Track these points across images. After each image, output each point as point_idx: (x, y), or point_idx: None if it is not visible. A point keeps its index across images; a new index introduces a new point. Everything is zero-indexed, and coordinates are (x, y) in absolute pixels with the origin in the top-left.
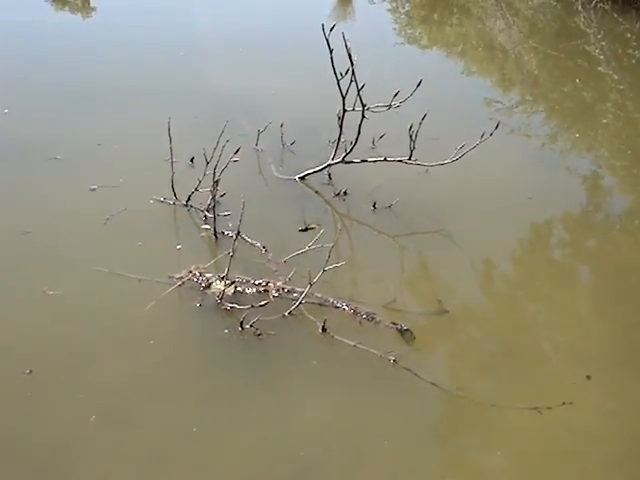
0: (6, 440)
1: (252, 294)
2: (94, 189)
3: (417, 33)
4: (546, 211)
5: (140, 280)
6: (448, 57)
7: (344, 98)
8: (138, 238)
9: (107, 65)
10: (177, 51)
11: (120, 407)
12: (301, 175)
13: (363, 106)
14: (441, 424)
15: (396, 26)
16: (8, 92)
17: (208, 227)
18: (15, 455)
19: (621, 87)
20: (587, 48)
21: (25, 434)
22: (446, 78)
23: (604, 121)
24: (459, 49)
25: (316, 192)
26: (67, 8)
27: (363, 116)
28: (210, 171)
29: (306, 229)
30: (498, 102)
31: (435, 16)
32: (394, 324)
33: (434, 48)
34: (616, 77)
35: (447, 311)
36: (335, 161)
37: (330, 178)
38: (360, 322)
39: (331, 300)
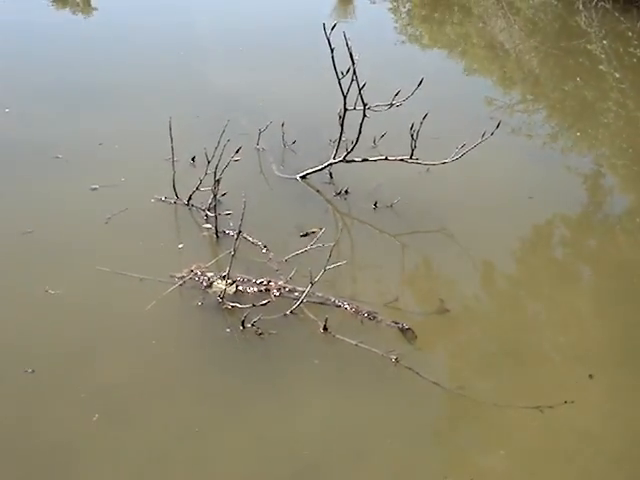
0: (8, 439)
1: (253, 293)
2: (95, 188)
3: (418, 32)
4: (547, 210)
5: (141, 279)
6: (449, 56)
7: (345, 97)
8: (139, 237)
9: (108, 64)
10: (177, 50)
11: (122, 406)
12: (302, 174)
13: (364, 105)
14: (442, 423)
15: (397, 25)
16: (9, 91)
17: (209, 226)
18: (17, 455)
19: (622, 86)
20: (588, 47)
21: (27, 433)
22: (447, 77)
23: (605, 120)
24: (460, 48)
25: (317, 191)
26: (68, 8)
27: (364, 115)
28: (211, 170)
29: (307, 234)
30: (499, 101)
31: (436, 15)
32: (395, 323)
33: (435, 47)
34: (617, 76)
35: (448, 310)
36: (336, 160)
37: (331, 177)
38: (361, 321)
39: (332, 299)
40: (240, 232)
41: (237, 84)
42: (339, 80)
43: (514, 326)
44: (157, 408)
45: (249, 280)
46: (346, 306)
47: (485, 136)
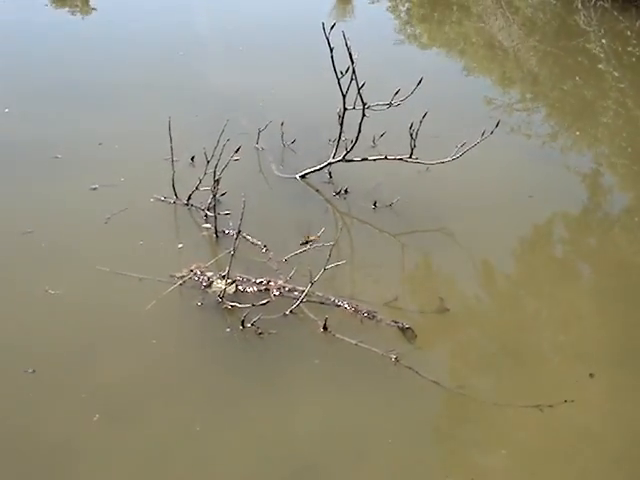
0: (9, 439)
1: (253, 293)
2: (95, 188)
3: (417, 32)
4: (546, 209)
5: (141, 279)
6: (448, 55)
7: (344, 96)
8: (139, 237)
9: (107, 64)
10: (177, 50)
11: (122, 406)
12: (302, 174)
13: (363, 104)
14: (443, 423)
15: (396, 24)
16: (8, 91)
17: (209, 226)
18: (18, 455)
19: (621, 85)
20: (587, 46)
21: (28, 433)
22: (446, 76)
23: (604, 119)
24: (459, 47)
25: (317, 191)
26: (67, 8)
27: (363, 114)
28: (211, 170)
29: (307, 242)
30: (498, 100)
31: (435, 14)
32: (395, 322)
33: (434, 46)
34: (616, 75)
35: (448, 309)
36: (336, 160)
37: (331, 177)
38: (361, 320)
39: (332, 299)
40: (240, 232)
41: (236, 84)
42: (338, 79)
43: (514, 325)
44: (157, 408)
45: (249, 280)
46: (346, 305)
47: (484, 135)
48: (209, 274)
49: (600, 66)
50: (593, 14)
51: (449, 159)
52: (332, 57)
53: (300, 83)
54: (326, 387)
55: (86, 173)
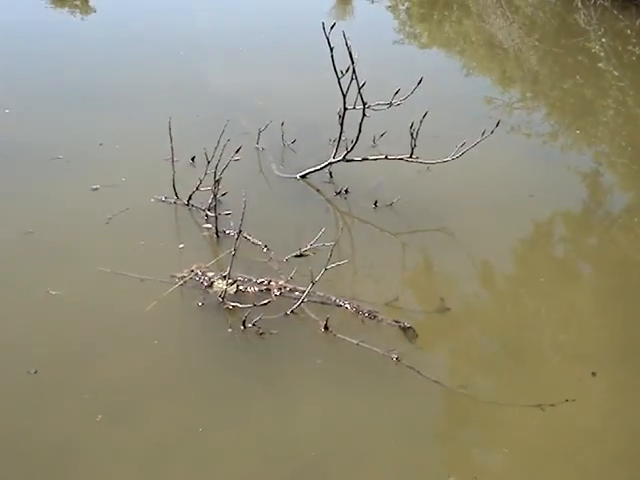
0: (12, 440)
1: (254, 293)
2: (96, 189)
3: (417, 31)
4: (547, 208)
5: (142, 280)
6: (448, 55)
7: (345, 96)
8: (140, 238)
9: (107, 65)
10: (177, 50)
11: (124, 407)
12: (302, 174)
13: (364, 104)
14: (444, 422)
15: (396, 24)
16: (9, 92)
17: (209, 226)
18: (21, 456)
19: (621, 84)
20: (587, 45)
21: (31, 434)
22: (446, 76)
23: (604, 118)
24: (459, 47)
25: (317, 190)
26: (66, 8)
27: (364, 114)
28: (211, 170)
29: (301, 255)
30: (498, 99)
31: (434, 14)
32: (396, 322)
33: (434, 46)
34: (616, 74)
35: (449, 309)
36: (336, 159)
37: (331, 176)
38: (362, 320)
39: (333, 299)
40: (240, 232)
41: (237, 84)
42: (339, 79)
43: (515, 324)
44: (159, 408)
45: (250, 280)
46: (347, 305)
47: (485, 135)
48: (210, 274)
49: (600, 65)
50: (593, 13)
51: (449, 159)
52: (332, 57)
53: (300, 83)
54: (327, 387)
55: (87, 173)
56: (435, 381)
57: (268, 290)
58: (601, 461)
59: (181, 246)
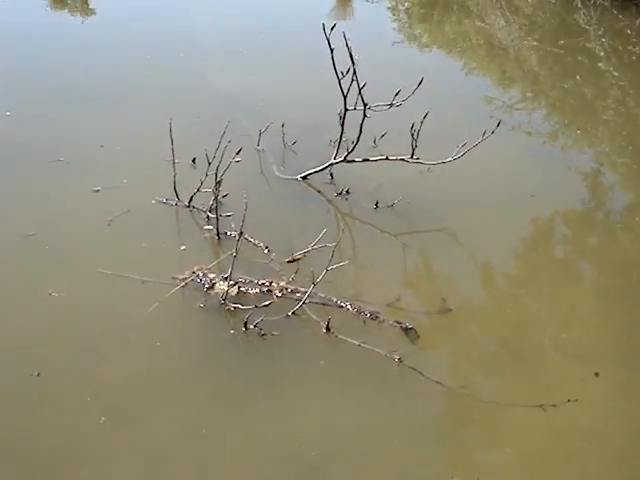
0: (15, 442)
1: (256, 294)
2: (97, 190)
3: (417, 32)
4: (548, 208)
5: (143, 281)
6: (448, 55)
7: (345, 97)
8: (141, 239)
9: (108, 66)
10: (177, 52)
11: (127, 409)
12: (303, 175)
13: (364, 105)
14: (447, 423)
15: (396, 25)
16: (10, 94)
17: (211, 228)
18: (24, 458)
19: (622, 83)
20: (587, 45)
21: (34, 436)
22: (446, 76)
23: (605, 118)
24: (459, 47)
25: (318, 192)
26: (67, 10)
27: (364, 115)
28: (212, 172)
29: (293, 260)
30: (499, 100)
31: (434, 14)
32: (398, 323)
33: (434, 46)
34: (616, 74)
35: (451, 309)
36: (337, 160)
37: (332, 177)
38: (364, 321)
39: (334, 300)
40: (242, 233)
41: (237, 85)
42: (339, 80)
43: (516, 325)
44: (161, 410)
45: (251, 281)
46: (348, 306)
47: (485, 135)
48: (211, 276)
49: (600, 65)
50: (593, 13)
51: (450, 159)
52: (333, 58)
53: (301, 84)
54: (329, 388)
55: (88, 175)
56: (437, 382)
57: (269, 291)
58: (603, 461)
59: (183, 248)
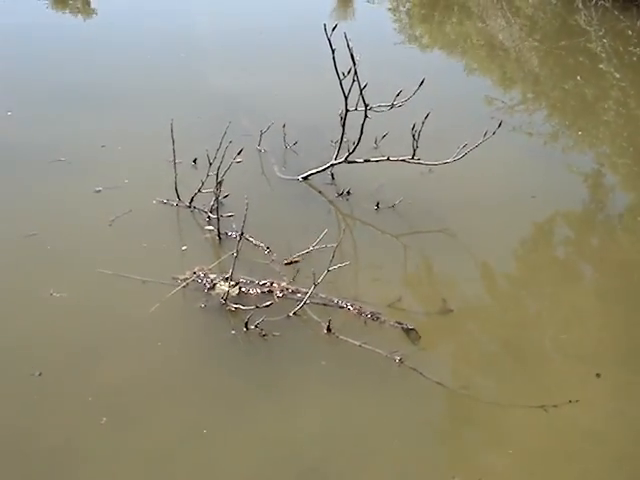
0: (18, 443)
1: (256, 295)
2: (98, 191)
3: (418, 32)
4: (549, 209)
5: (144, 282)
6: (449, 56)
7: (346, 98)
8: (142, 240)
9: (109, 67)
10: (178, 52)
11: (128, 409)
12: (304, 175)
13: (366, 106)
14: (448, 423)
15: (396, 25)
16: (11, 94)
17: (211, 228)
18: (26, 458)
19: (622, 84)
20: (588, 46)
21: (36, 437)
22: (447, 77)
23: (606, 119)
24: (460, 48)
25: (319, 192)
26: (68, 10)
27: (366, 116)
28: (213, 172)
29: (290, 262)
30: (499, 100)
31: (435, 15)
32: (399, 324)
33: (435, 47)
34: (617, 75)
35: (451, 310)
36: (338, 161)
37: (333, 178)
38: (365, 322)
39: (335, 300)
40: (242, 234)
41: (238, 85)
42: (340, 81)
43: (517, 325)
44: (162, 410)
45: (252, 282)
46: (349, 307)
47: (487, 136)
48: (212, 276)
49: (601, 66)
50: (594, 14)
51: (451, 160)
52: (334, 58)
53: (302, 84)
54: (330, 389)
55: (89, 175)
56: (438, 382)
57: (270, 292)
58: (604, 461)
59: (184, 248)
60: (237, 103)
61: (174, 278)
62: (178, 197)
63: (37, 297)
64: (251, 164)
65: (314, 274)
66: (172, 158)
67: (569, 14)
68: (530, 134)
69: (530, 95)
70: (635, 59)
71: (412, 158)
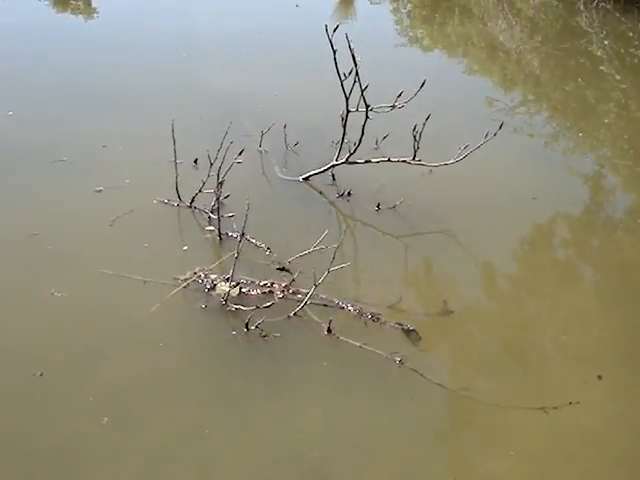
0: (19, 443)
1: (257, 295)
2: (100, 190)
3: (419, 33)
4: (549, 211)
5: (145, 282)
6: (450, 57)
7: (347, 99)
8: (143, 240)
9: (110, 67)
10: (179, 52)
11: (129, 409)
12: (305, 176)
13: (367, 107)
14: (448, 425)
15: (398, 26)
16: (12, 94)
17: (212, 228)
18: (27, 458)
19: (623, 86)
20: (589, 47)
21: (37, 436)
22: (448, 78)
23: (606, 120)
24: (461, 49)
25: (320, 193)
26: (69, 10)
27: (367, 117)
28: (214, 172)
29: (283, 268)
30: (500, 102)
31: (436, 16)
32: (399, 325)
33: (436, 48)
34: (618, 77)
35: (452, 311)
36: (339, 162)
37: (334, 179)
38: (365, 323)
39: (336, 301)
40: (243, 234)
41: (239, 86)
42: (341, 82)
43: (518, 327)
44: (163, 410)
45: (252, 282)
46: (350, 308)
47: (487, 137)
48: (213, 277)
49: (602, 67)
50: (595, 15)
51: (452, 161)
52: (335, 59)
53: (302, 85)
54: (330, 390)
55: (91, 175)
56: (438, 384)
57: (271, 292)
58: (604, 463)
59: (185, 248)
60: (238, 103)
61: (175, 278)
62: (179, 197)
63: (38, 297)
64: (252, 164)
65: (315, 275)
66: (173, 158)
67: (570, 16)
68: (531, 135)
69: (531, 97)
70: (636, 61)
71: (413, 159)
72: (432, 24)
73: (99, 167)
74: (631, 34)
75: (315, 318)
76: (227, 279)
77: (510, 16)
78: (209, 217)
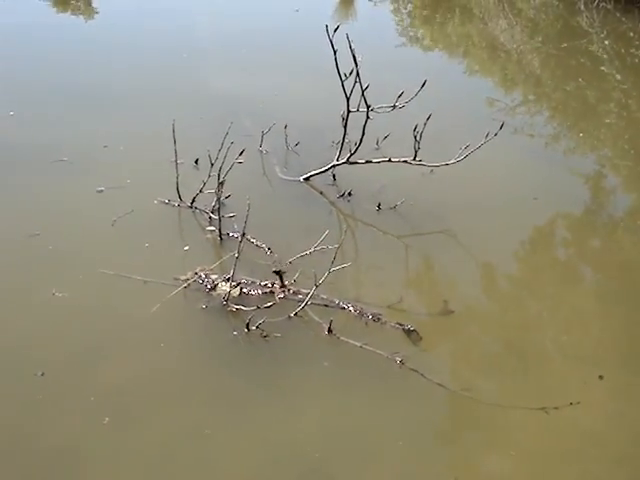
0: (20, 443)
1: (258, 296)
2: (101, 191)
3: (419, 33)
4: (550, 211)
5: (146, 282)
6: (450, 57)
7: (348, 99)
8: (144, 240)
9: (111, 67)
10: (180, 52)
11: (130, 409)
12: (305, 176)
13: (367, 107)
14: (449, 425)
15: (398, 27)
16: (13, 95)
17: (213, 229)
18: (29, 459)
19: (624, 86)
20: (590, 47)
21: (38, 436)
22: (449, 78)
23: (607, 121)
24: (461, 49)
25: (321, 193)
26: (69, 10)
27: (367, 117)
28: (215, 173)
29: (279, 272)
30: (501, 102)
31: (437, 16)
32: (400, 325)
33: (436, 48)
34: (619, 77)
35: (453, 311)
36: (339, 162)
37: (334, 179)
38: (366, 323)
39: (337, 301)
40: (244, 234)
41: (240, 86)
42: (342, 82)
43: (518, 327)
44: (164, 410)
45: (253, 282)
46: (350, 308)
47: (488, 137)
48: (213, 277)
49: (603, 68)
50: (596, 15)
51: (453, 161)
52: (336, 59)
53: (303, 85)
54: (331, 390)
55: (92, 175)
56: (439, 384)
57: (272, 293)
58: (604, 463)
59: (185, 248)
60: (238, 103)
61: (175, 278)
62: (180, 197)
63: (39, 297)
64: (252, 165)
65: (315, 275)
66: (174, 158)
67: (571, 16)
68: (531, 136)
69: (531, 97)
70: (637, 61)
71: (414, 159)
72: (432, 24)
73: (99, 167)
74: (632, 34)
75: (316, 318)
76: (228, 279)
77: (511, 16)
78: (210, 217)
